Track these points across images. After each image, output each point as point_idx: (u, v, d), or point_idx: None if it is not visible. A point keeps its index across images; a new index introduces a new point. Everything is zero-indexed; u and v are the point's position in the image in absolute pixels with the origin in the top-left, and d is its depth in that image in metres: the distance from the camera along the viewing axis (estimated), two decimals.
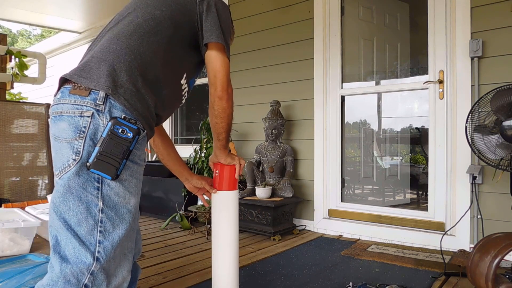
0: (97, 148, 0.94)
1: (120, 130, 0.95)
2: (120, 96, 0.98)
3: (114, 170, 0.94)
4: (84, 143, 0.95)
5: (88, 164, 0.94)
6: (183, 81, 1.22)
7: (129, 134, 0.95)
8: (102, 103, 0.97)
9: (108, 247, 0.96)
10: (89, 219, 0.95)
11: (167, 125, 4.78)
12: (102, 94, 0.97)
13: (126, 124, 0.96)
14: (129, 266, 1.05)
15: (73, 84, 1.00)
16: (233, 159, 1.39)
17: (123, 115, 0.98)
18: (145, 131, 1.04)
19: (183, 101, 1.32)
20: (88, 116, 0.96)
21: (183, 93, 1.26)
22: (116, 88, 0.98)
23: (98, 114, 0.96)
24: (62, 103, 0.99)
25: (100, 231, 0.95)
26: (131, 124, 0.97)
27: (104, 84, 0.97)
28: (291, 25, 3.49)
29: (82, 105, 0.97)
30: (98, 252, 0.95)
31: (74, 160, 0.95)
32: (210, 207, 3.23)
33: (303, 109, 3.41)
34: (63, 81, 1.04)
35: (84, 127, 0.96)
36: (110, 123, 0.95)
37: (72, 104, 0.98)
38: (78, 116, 0.96)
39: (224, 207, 1.50)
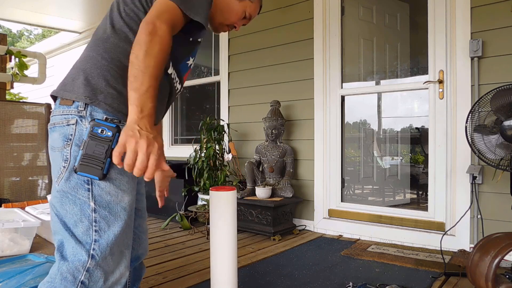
0: (80, 152, 0.96)
1: (99, 131, 0.96)
2: (101, 102, 1.00)
3: (99, 170, 0.95)
4: (70, 149, 0.99)
5: (74, 168, 0.97)
6: (170, 70, 1.16)
7: (108, 133, 0.96)
8: (83, 109, 1.00)
9: (103, 244, 0.99)
10: (83, 220, 0.98)
11: (166, 125, 4.79)
12: (80, 102, 1.00)
13: (104, 124, 0.97)
14: (127, 262, 1.07)
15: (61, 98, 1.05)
16: (134, 136, 0.88)
17: (105, 117, 0.99)
18: None
19: (178, 90, 1.26)
20: (73, 124, 1.00)
21: (173, 82, 1.19)
22: (95, 95, 1.00)
23: (81, 120, 1.00)
24: (55, 115, 1.05)
25: (96, 230, 0.98)
26: (109, 123, 0.98)
27: (83, 94, 1.00)
28: (291, 25, 3.49)
29: (68, 114, 1.01)
30: (93, 249, 0.98)
31: (64, 167, 1.00)
32: None
33: (303, 109, 3.41)
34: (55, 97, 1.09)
35: (71, 134, 1.00)
36: (89, 125, 0.97)
37: (61, 115, 1.03)
38: (66, 125, 1.01)
39: (221, 207, 1.50)
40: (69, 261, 0.98)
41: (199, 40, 1.22)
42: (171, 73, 1.15)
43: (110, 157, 0.95)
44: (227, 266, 1.52)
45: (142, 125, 0.87)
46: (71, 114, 1.00)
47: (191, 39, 1.16)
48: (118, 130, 0.97)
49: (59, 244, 1.01)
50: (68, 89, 1.03)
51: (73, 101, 1.01)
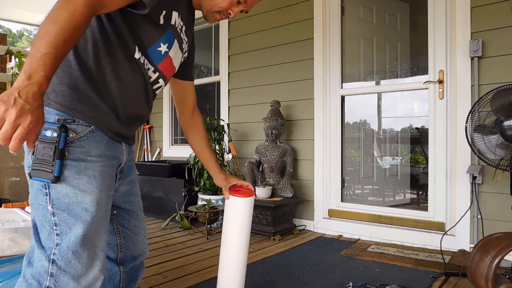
0: (32, 157, 0.95)
1: (46, 133, 0.94)
2: (51, 102, 0.97)
3: (50, 174, 0.94)
4: (31, 156, 0.98)
5: (29, 173, 0.96)
6: (137, 55, 1.07)
7: (54, 134, 0.94)
8: None
9: (64, 248, 0.96)
10: (45, 224, 0.98)
11: (166, 125, 4.79)
12: None
13: (49, 126, 0.94)
14: (101, 265, 1.04)
15: None
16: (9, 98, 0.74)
17: (57, 118, 0.97)
18: (92, 126, 1.00)
19: (153, 80, 1.15)
20: None
21: (144, 69, 1.10)
22: (47, 95, 0.97)
23: None
24: None
25: (57, 234, 0.97)
26: (54, 123, 0.95)
27: None
28: (291, 25, 3.49)
29: None
30: (54, 254, 0.96)
31: (27, 174, 0.99)
32: (211, 207, 3.21)
33: (303, 109, 3.41)
34: None
35: None
36: None
37: None
38: None
39: (239, 213, 1.45)
40: (34, 267, 0.97)
41: (172, 23, 1.11)
42: (139, 58, 1.07)
43: (60, 158, 0.94)
44: (237, 272, 1.47)
45: (23, 92, 0.74)
46: None
47: (161, 22, 1.07)
48: (65, 130, 0.95)
49: (31, 250, 1.01)
50: None
51: None
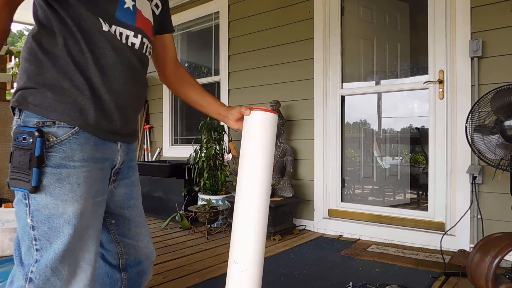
0: (10, 165, 0.89)
1: (21, 139, 0.87)
2: (29, 105, 0.90)
3: (27, 183, 0.86)
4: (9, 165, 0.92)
5: (8, 183, 0.90)
6: (105, 27, 0.95)
7: (30, 140, 0.86)
8: (18, 118, 0.92)
9: (42, 265, 0.89)
10: (25, 238, 0.91)
11: (166, 125, 4.79)
12: (17, 110, 0.93)
13: (24, 130, 0.87)
14: (88, 278, 0.96)
15: None
16: None
17: (36, 120, 0.90)
18: (75, 127, 0.92)
19: (138, 45, 1.04)
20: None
21: (119, 40, 0.98)
22: (25, 98, 0.91)
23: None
24: None
25: (37, 249, 0.89)
26: (29, 128, 0.88)
27: (15, 100, 0.92)
28: (291, 25, 3.49)
29: (14, 125, 0.94)
30: (31, 272, 0.89)
31: (7, 183, 0.93)
32: (211, 207, 3.20)
33: (303, 109, 3.41)
34: None
35: None
36: (12, 134, 0.89)
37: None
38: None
39: (263, 124, 1.17)
40: (14, 286, 0.91)
41: None
42: (108, 30, 0.95)
43: (37, 166, 0.86)
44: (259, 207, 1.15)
45: None
46: (14, 126, 0.92)
47: None
48: (40, 135, 0.86)
49: (15, 266, 0.94)
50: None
51: (13, 111, 0.93)
